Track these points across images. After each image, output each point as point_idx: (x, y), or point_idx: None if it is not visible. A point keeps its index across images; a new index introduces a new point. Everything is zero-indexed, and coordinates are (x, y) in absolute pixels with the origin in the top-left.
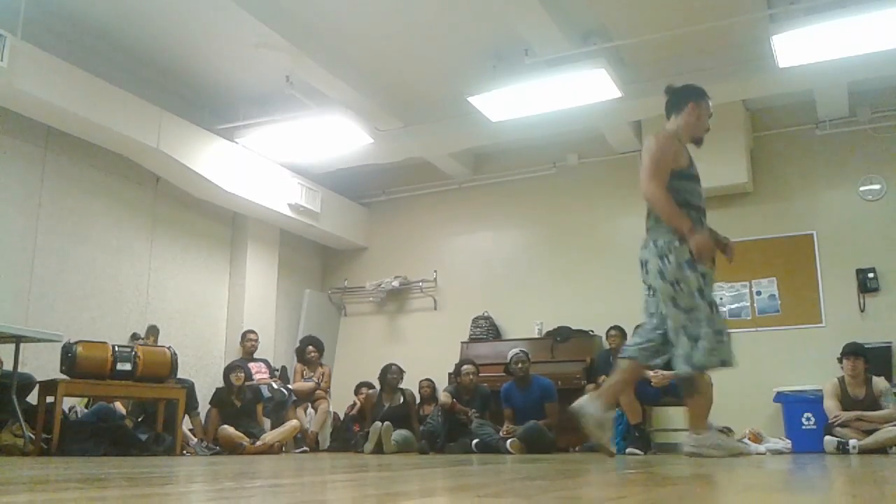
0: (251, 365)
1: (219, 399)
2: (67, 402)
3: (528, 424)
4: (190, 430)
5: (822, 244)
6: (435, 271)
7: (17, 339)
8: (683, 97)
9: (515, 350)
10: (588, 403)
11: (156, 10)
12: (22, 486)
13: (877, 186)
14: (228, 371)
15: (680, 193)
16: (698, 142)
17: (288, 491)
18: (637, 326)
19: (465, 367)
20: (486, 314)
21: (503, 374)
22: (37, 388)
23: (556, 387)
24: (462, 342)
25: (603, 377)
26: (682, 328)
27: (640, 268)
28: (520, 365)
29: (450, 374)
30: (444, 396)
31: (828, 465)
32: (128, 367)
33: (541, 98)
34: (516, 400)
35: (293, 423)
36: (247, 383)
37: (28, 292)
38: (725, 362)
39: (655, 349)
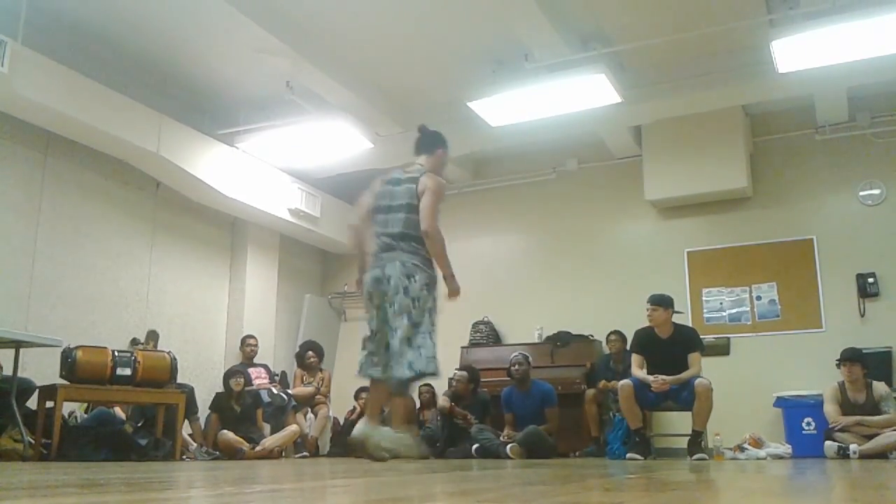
0: (251, 370)
1: (218, 404)
2: (67, 407)
3: (529, 429)
4: (189, 435)
5: (822, 249)
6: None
7: (17, 344)
8: (438, 142)
9: (516, 353)
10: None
11: (156, 16)
12: (22, 491)
13: (877, 191)
14: (228, 376)
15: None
16: None
17: (288, 496)
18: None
19: (457, 374)
20: (485, 319)
21: (503, 378)
22: (36, 393)
23: (556, 391)
24: (462, 347)
25: (603, 381)
26: (408, 339)
27: (374, 284)
28: (516, 367)
29: (449, 380)
30: (442, 401)
31: (828, 470)
32: (127, 372)
33: (541, 103)
34: (517, 405)
35: (293, 428)
36: (246, 388)
37: (28, 297)
38: (437, 371)
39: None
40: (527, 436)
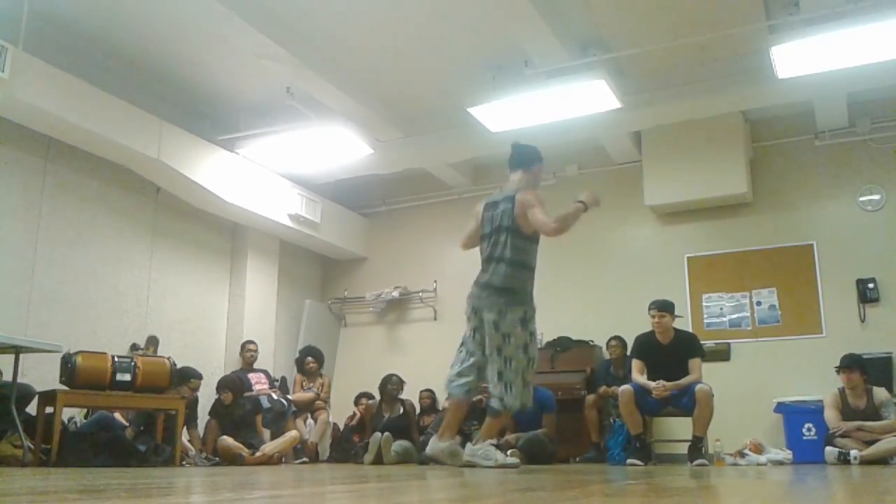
0: (251, 375)
1: (217, 410)
2: (67, 413)
3: (529, 435)
4: (189, 440)
5: (822, 254)
6: (435, 282)
7: (17, 350)
8: (533, 157)
9: None
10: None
11: (157, 22)
12: (21, 497)
13: (876, 197)
14: (218, 388)
15: (530, 255)
16: None
17: (287, 502)
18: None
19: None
20: None
21: None
22: (36, 398)
23: (556, 397)
24: None
25: (603, 387)
26: (499, 373)
27: (472, 311)
28: None
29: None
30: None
31: (829, 476)
32: (127, 377)
33: (540, 109)
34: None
35: (293, 433)
36: (246, 394)
37: (28, 302)
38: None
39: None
40: (527, 442)
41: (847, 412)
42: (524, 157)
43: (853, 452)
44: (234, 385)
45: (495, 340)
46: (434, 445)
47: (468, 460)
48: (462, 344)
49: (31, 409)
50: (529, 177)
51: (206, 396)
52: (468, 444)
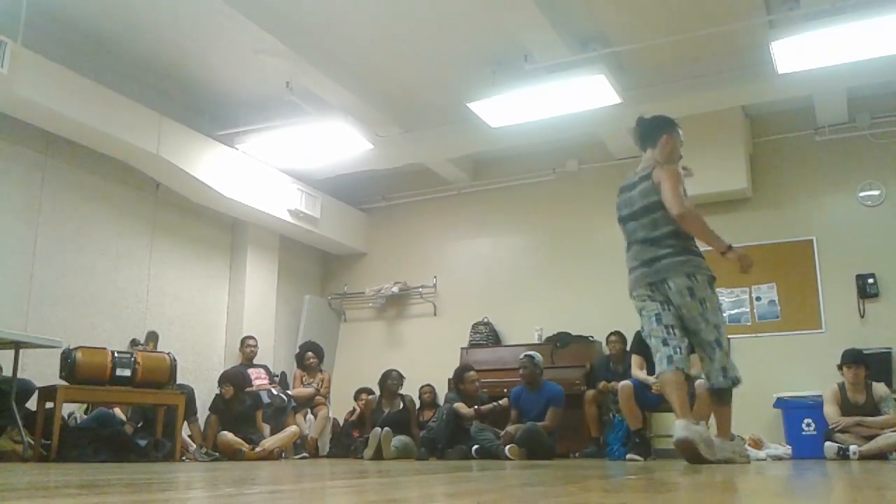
0: (250, 371)
1: (218, 405)
2: (67, 408)
3: (527, 425)
4: (189, 436)
5: (822, 250)
6: (435, 277)
7: (17, 345)
8: (659, 128)
9: (523, 355)
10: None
11: (156, 17)
12: (21, 492)
13: (876, 192)
14: (219, 382)
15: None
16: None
17: (287, 497)
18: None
19: (468, 373)
20: (485, 320)
21: (503, 379)
22: (36, 393)
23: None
24: (462, 348)
25: (603, 382)
26: (716, 341)
27: (650, 287)
28: (521, 370)
29: (449, 380)
30: (463, 409)
31: (828, 471)
32: (127, 373)
33: (540, 104)
34: (523, 401)
35: (293, 429)
36: (246, 389)
37: (27, 298)
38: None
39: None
40: (525, 433)
41: (846, 407)
42: (649, 132)
43: (852, 448)
44: (236, 379)
45: (694, 309)
46: (686, 428)
47: (728, 456)
48: (659, 324)
49: (31, 404)
50: (661, 150)
51: (207, 392)
52: (715, 439)
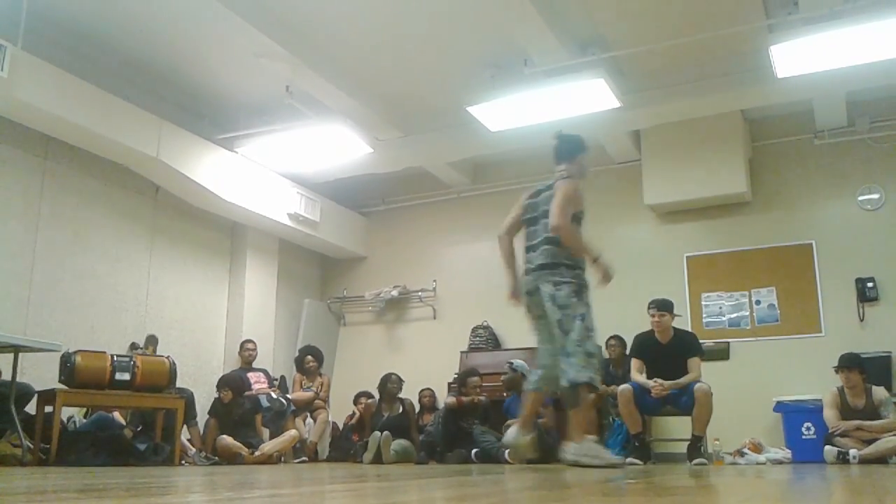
0: (250, 374)
1: (217, 409)
2: (66, 412)
3: None
4: (188, 440)
5: (822, 253)
6: (434, 281)
7: (16, 349)
8: (576, 148)
9: (508, 362)
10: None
11: (156, 21)
12: (20, 496)
13: (875, 196)
14: (218, 386)
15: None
16: None
17: (287, 501)
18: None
19: (472, 378)
20: (485, 323)
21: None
22: (35, 397)
23: (554, 396)
24: (461, 352)
25: (602, 386)
26: (562, 348)
27: (528, 297)
28: (502, 377)
29: (449, 384)
30: (449, 400)
31: (828, 475)
32: (126, 376)
33: (540, 108)
34: (514, 408)
35: (292, 432)
36: (245, 393)
37: (27, 301)
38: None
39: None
40: None
41: (846, 411)
42: (567, 148)
43: (852, 452)
44: (234, 383)
45: (554, 315)
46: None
47: (572, 459)
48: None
49: (31, 408)
50: (574, 167)
51: (206, 396)
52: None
